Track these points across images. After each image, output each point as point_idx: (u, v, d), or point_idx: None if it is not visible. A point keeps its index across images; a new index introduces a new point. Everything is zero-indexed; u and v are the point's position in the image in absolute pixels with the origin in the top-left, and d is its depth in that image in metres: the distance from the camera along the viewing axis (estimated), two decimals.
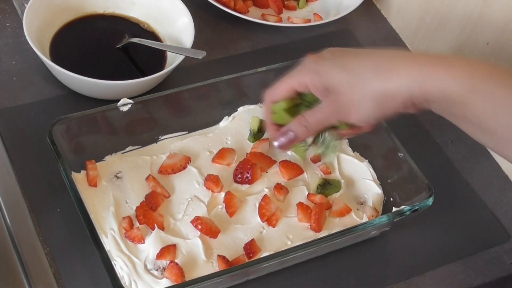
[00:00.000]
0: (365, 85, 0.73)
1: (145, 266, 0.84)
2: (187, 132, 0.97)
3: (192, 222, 0.87)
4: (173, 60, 1.02)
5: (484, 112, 0.69)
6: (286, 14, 1.21)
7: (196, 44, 1.03)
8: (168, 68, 1.00)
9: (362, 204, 0.95)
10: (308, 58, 0.79)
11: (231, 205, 0.90)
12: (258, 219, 0.90)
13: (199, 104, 0.98)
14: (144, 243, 0.85)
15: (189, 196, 0.91)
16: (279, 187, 0.92)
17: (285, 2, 1.22)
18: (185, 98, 0.97)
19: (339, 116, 0.77)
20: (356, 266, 0.92)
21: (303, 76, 0.78)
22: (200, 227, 0.87)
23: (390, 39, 1.23)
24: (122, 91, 0.97)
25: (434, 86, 0.70)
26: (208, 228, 0.87)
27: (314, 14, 1.21)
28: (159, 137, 0.96)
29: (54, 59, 1.00)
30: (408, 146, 0.95)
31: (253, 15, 1.17)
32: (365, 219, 0.92)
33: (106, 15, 1.10)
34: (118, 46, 1.06)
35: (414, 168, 0.92)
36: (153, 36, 1.08)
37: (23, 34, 0.98)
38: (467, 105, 0.70)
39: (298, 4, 1.22)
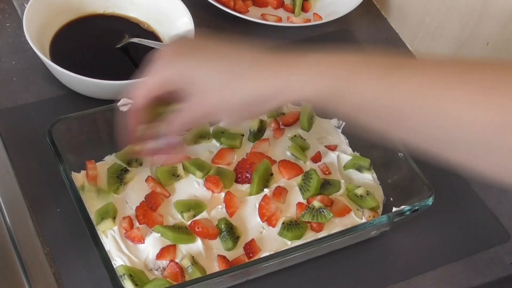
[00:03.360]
0: (230, 89, 0.70)
1: (145, 266, 0.84)
2: (187, 132, 0.97)
3: (190, 226, 0.87)
4: None
5: (351, 111, 0.67)
6: (286, 14, 1.21)
7: None
8: None
9: None
10: (165, 52, 0.74)
11: (231, 205, 0.90)
12: (258, 219, 0.90)
13: None
14: (144, 243, 0.85)
15: (189, 196, 0.91)
16: (278, 192, 0.92)
17: (285, 4, 1.22)
18: None
19: (205, 117, 0.75)
20: (356, 266, 0.92)
21: (165, 73, 0.73)
22: (198, 230, 0.87)
23: (390, 39, 1.23)
24: (122, 91, 0.97)
25: (296, 94, 0.68)
26: (206, 232, 0.87)
27: (314, 14, 1.21)
28: None
29: (54, 59, 1.00)
30: (408, 146, 0.94)
31: (253, 15, 1.17)
32: (364, 219, 0.92)
33: (106, 15, 1.10)
34: (118, 46, 1.06)
35: (414, 168, 0.92)
36: (153, 36, 1.08)
37: (23, 34, 0.98)
38: (334, 106, 0.68)
39: (294, 13, 1.22)
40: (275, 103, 0.70)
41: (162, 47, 0.74)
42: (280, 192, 0.92)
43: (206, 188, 0.92)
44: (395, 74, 0.64)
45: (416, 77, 0.63)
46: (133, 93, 0.77)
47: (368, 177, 0.97)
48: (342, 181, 0.96)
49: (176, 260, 0.84)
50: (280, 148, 0.99)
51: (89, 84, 0.96)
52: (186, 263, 0.83)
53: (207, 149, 0.97)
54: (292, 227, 0.89)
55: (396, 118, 0.64)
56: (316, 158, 0.98)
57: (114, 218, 0.86)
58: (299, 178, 0.94)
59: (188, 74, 0.71)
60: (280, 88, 0.68)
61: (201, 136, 0.96)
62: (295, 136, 0.99)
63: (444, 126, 0.61)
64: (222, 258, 0.85)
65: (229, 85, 0.70)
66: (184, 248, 0.85)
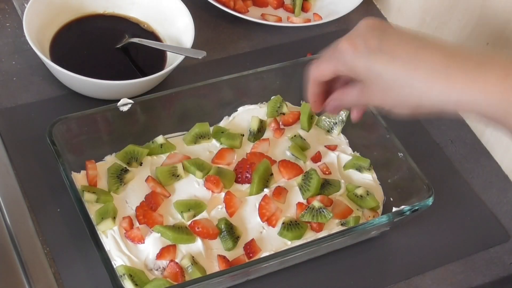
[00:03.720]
0: (397, 94, 0.71)
1: (145, 266, 0.84)
2: (187, 132, 0.97)
3: (190, 226, 0.87)
4: (173, 60, 1.02)
5: None
6: (286, 14, 1.21)
7: (196, 44, 1.04)
8: (168, 68, 1.00)
9: None
10: (344, 43, 0.74)
11: (231, 205, 0.90)
12: (258, 219, 0.90)
13: (199, 104, 0.98)
14: (144, 243, 0.85)
15: (189, 196, 0.91)
16: (277, 192, 0.92)
17: (285, 4, 1.22)
18: (185, 98, 0.97)
19: (377, 107, 0.77)
20: (356, 266, 0.92)
21: (339, 66, 0.75)
22: (198, 230, 0.87)
23: None
24: (122, 91, 0.97)
25: (469, 108, 0.68)
26: (206, 232, 0.87)
27: (314, 14, 1.21)
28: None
29: (54, 59, 1.00)
30: (408, 146, 0.95)
31: (253, 15, 1.17)
32: (364, 219, 0.92)
33: (106, 15, 1.10)
34: (118, 46, 1.06)
35: (414, 168, 0.92)
36: (153, 36, 1.08)
37: (23, 34, 0.98)
38: (505, 122, 0.67)
39: (294, 13, 1.22)
40: (441, 111, 0.70)
41: (353, 31, 0.75)
42: (280, 192, 0.92)
43: (206, 188, 0.92)
44: None
45: None
46: (315, 72, 0.79)
47: (368, 177, 0.97)
48: (342, 181, 0.96)
49: (176, 260, 0.84)
50: (280, 148, 0.99)
51: (89, 84, 0.96)
52: (186, 263, 0.83)
53: (207, 149, 0.97)
54: (292, 227, 0.89)
55: None
56: (316, 158, 0.98)
57: (114, 218, 0.86)
58: (299, 178, 0.94)
59: (375, 70, 0.72)
60: (448, 101, 0.68)
61: (201, 136, 0.96)
62: (295, 136, 0.99)
63: None
64: (222, 258, 0.85)
65: (413, 86, 0.70)
66: (184, 248, 0.85)
